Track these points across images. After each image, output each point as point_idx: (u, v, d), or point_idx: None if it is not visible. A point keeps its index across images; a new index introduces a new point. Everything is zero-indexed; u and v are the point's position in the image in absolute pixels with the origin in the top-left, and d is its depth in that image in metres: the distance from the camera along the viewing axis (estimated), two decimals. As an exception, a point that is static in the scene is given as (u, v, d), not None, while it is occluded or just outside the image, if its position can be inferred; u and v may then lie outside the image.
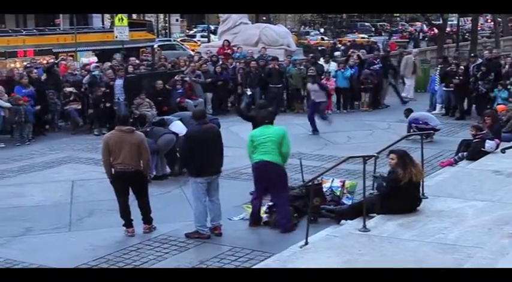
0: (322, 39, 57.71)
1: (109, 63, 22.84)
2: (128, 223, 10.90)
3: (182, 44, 44.57)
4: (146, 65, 23.96)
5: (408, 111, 18.78)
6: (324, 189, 11.90)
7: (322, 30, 70.84)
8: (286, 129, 11.32)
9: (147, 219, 11.08)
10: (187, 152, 10.82)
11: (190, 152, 10.70)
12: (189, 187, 11.39)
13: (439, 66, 23.70)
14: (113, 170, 10.78)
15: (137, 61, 24.27)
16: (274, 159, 10.84)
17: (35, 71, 20.49)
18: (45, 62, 23.70)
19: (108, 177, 10.96)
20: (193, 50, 37.47)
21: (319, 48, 43.19)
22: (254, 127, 11.96)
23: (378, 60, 24.74)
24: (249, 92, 23.02)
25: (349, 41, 49.92)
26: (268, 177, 10.91)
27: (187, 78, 21.74)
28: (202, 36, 53.21)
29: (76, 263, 9.62)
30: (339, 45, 45.75)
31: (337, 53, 27.76)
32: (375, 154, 11.27)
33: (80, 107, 20.39)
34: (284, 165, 11.15)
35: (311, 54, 27.60)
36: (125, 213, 10.88)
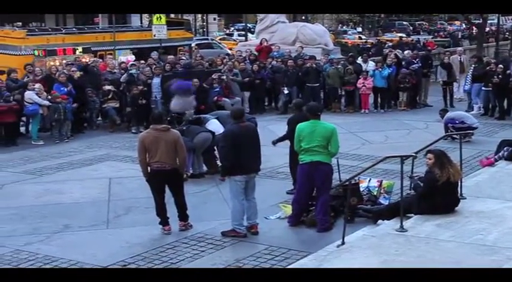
0: (360, 38, 57.47)
1: (143, 61, 23.00)
2: (164, 221, 10.94)
3: (220, 43, 44.69)
4: (183, 63, 24.05)
5: (443, 112, 18.61)
6: (361, 189, 11.85)
7: (359, 29, 70.53)
8: (335, 127, 11.15)
9: (183, 217, 11.12)
10: (227, 150, 10.81)
11: (230, 151, 10.70)
12: (226, 185, 11.39)
13: (473, 65, 23.40)
14: (149, 168, 10.84)
15: (183, 57, 24.42)
16: (322, 159, 10.80)
17: (73, 68, 20.72)
18: (85, 60, 23.90)
19: (144, 176, 11.02)
20: (230, 49, 37.57)
21: (365, 46, 43.08)
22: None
23: (417, 59, 24.55)
24: (286, 91, 23.03)
25: (391, 40, 49.63)
26: (316, 177, 10.87)
27: (224, 77, 21.77)
28: (239, 35, 53.33)
29: (113, 260, 9.67)
30: (389, 43, 45.32)
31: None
32: (413, 154, 11.17)
33: (118, 105, 20.53)
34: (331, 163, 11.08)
35: (350, 53, 27.52)
36: (162, 211, 10.93)
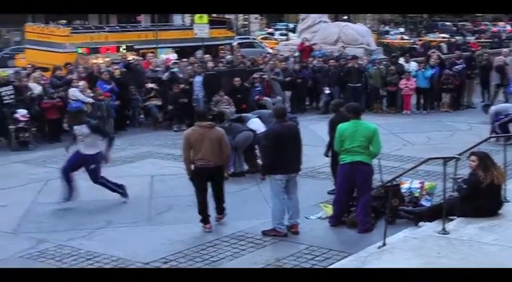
0: (402, 38, 57.04)
1: (185, 60, 23.15)
2: (206, 219, 10.99)
3: (261, 42, 44.72)
4: (225, 62, 24.14)
5: (487, 107, 18.42)
6: (403, 190, 11.76)
7: (401, 29, 69.97)
8: (377, 127, 11.09)
9: (220, 209, 11.31)
10: (268, 149, 10.82)
11: (271, 149, 10.69)
12: (266, 184, 11.40)
13: None
14: (192, 166, 10.88)
15: (228, 56, 24.55)
16: (363, 159, 10.75)
17: (116, 66, 20.91)
18: (130, 58, 24.11)
19: (187, 174, 11.07)
20: (272, 48, 37.55)
21: (411, 47, 42.62)
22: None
23: (461, 60, 24.29)
24: (327, 91, 22.98)
25: (441, 41, 49.10)
26: (356, 177, 10.82)
27: (265, 76, 21.78)
28: (281, 35, 53.33)
29: (154, 257, 9.75)
30: (442, 44, 44.41)
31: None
32: (456, 156, 11.06)
33: (160, 103, 20.65)
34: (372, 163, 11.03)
35: (393, 54, 27.36)
36: (203, 209, 10.98)
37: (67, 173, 12.56)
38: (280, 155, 10.54)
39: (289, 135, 10.74)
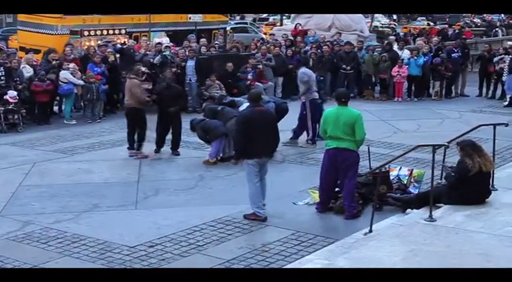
0: (390, 24, 57.22)
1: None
2: (131, 146, 14.67)
3: (254, 26, 44.53)
4: (217, 47, 24.01)
5: None
6: (391, 177, 11.74)
7: (394, 16, 69.83)
8: (361, 113, 11.06)
9: (139, 146, 14.71)
10: (239, 134, 10.79)
11: (240, 134, 10.67)
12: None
13: (510, 56, 22.86)
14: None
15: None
16: (348, 146, 10.70)
17: (109, 50, 20.77)
18: (119, 41, 23.94)
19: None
20: (265, 33, 37.42)
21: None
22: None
23: (458, 48, 24.21)
24: (319, 77, 22.87)
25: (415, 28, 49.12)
26: (340, 163, 10.77)
27: (260, 66, 21.53)
28: (274, 19, 53.29)
29: (140, 240, 9.71)
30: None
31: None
32: (445, 143, 11.03)
33: (150, 86, 20.49)
34: (357, 150, 10.98)
35: (386, 41, 27.28)
36: (131, 136, 14.67)
37: None
38: (251, 140, 10.47)
39: (262, 120, 10.64)
